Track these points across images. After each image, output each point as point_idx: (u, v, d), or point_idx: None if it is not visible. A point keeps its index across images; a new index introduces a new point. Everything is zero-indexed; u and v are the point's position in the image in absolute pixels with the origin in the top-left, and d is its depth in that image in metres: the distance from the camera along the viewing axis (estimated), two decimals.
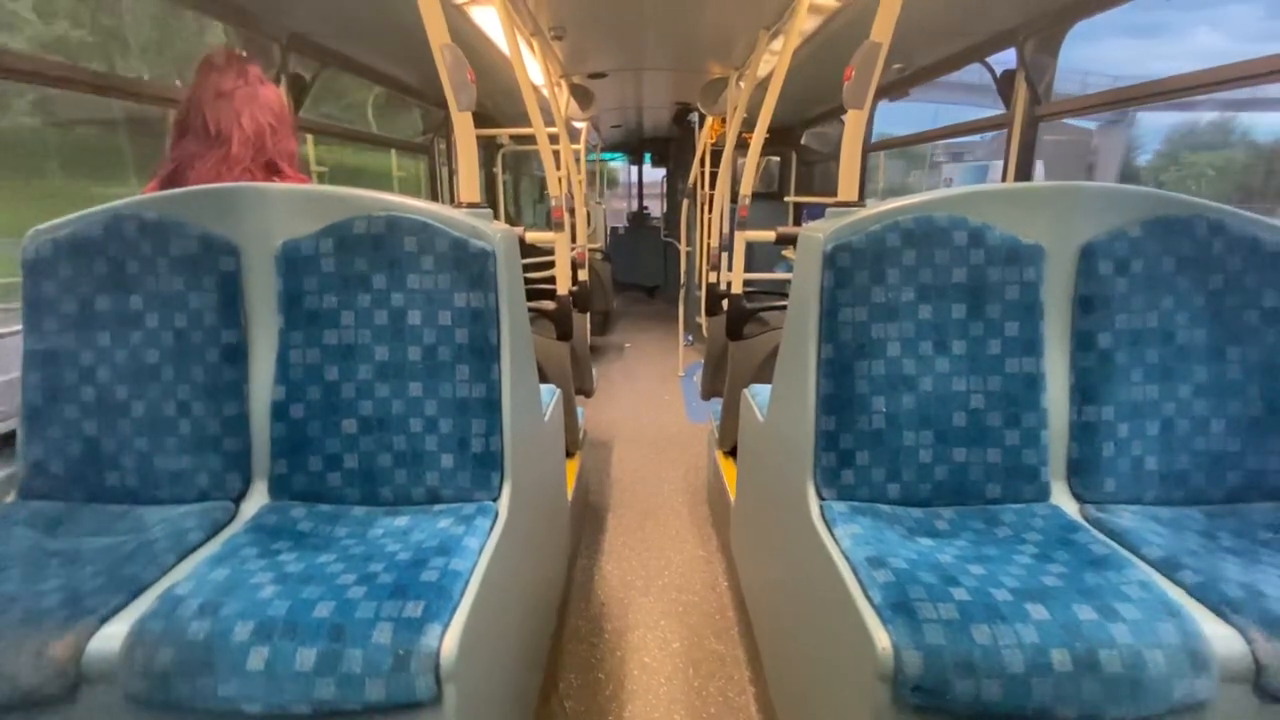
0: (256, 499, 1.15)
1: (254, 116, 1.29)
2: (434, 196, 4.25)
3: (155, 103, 1.85)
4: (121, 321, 1.12)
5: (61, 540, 1.00)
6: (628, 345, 5.84)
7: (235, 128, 1.27)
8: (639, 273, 8.27)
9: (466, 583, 0.90)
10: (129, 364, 1.12)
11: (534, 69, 3.02)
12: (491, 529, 1.05)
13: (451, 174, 4.44)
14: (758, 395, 1.68)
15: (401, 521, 1.07)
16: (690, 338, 5.42)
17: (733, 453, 2.27)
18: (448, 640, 0.80)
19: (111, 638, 0.80)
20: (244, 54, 1.38)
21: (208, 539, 1.03)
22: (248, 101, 1.29)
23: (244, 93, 1.30)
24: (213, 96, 1.28)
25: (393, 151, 4.07)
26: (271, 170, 1.34)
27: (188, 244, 1.12)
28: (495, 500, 1.13)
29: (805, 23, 2.17)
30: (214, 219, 1.13)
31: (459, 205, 1.29)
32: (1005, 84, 2.42)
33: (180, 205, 1.13)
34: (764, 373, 2.11)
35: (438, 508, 1.11)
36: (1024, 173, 2.38)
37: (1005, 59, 2.44)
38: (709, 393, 2.86)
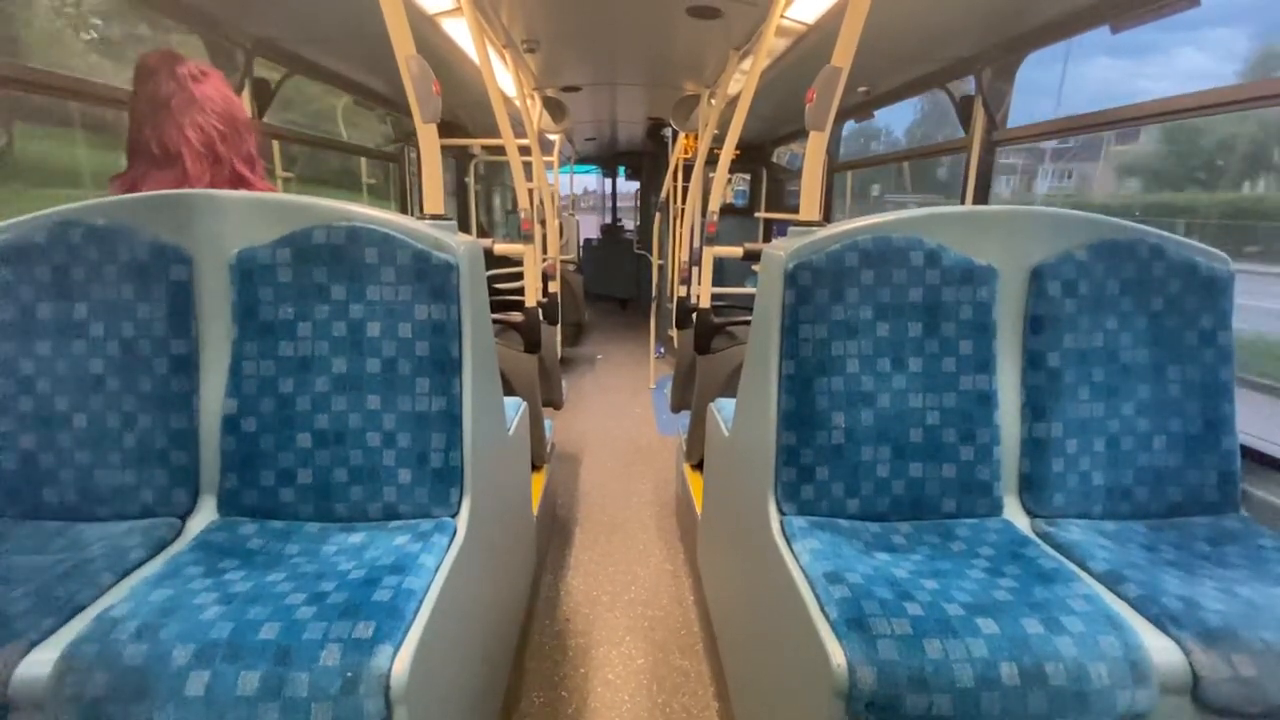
0: (204, 515, 1.11)
1: (197, 124, 1.18)
2: (404, 206, 4.21)
3: (110, 105, 1.80)
4: (64, 330, 1.08)
5: None
6: (599, 356, 5.83)
7: (182, 143, 1.17)
8: (612, 284, 8.29)
9: (421, 601, 0.88)
10: (71, 374, 1.08)
11: (506, 81, 3.02)
12: (449, 546, 1.03)
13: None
14: (723, 409, 1.69)
15: (356, 538, 1.04)
16: (661, 350, 5.44)
17: (700, 466, 2.27)
18: (399, 661, 0.78)
19: (41, 663, 0.76)
20: (175, 51, 1.24)
21: (150, 558, 0.99)
22: (186, 108, 1.18)
23: (181, 99, 1.17)
24: (150, 109, 1.17)
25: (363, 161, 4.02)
26: (238, 184, 1.25)
27: (137, 251, 1.08)
28: (454, 516, 1.11)
29: (773, 44, 2.22)
30: (166, 226, 1.10)
31: (423, 216, 1.27)
32: (964, 109, 2.51)
33: (130, 212, 1.10)
34: (731, 386, 2.12)
35: (394, 524, 1.09)
36: (981, 195, 2.45)
37: (964, 85, 2.53)
38: (678, 405, 2.87)
